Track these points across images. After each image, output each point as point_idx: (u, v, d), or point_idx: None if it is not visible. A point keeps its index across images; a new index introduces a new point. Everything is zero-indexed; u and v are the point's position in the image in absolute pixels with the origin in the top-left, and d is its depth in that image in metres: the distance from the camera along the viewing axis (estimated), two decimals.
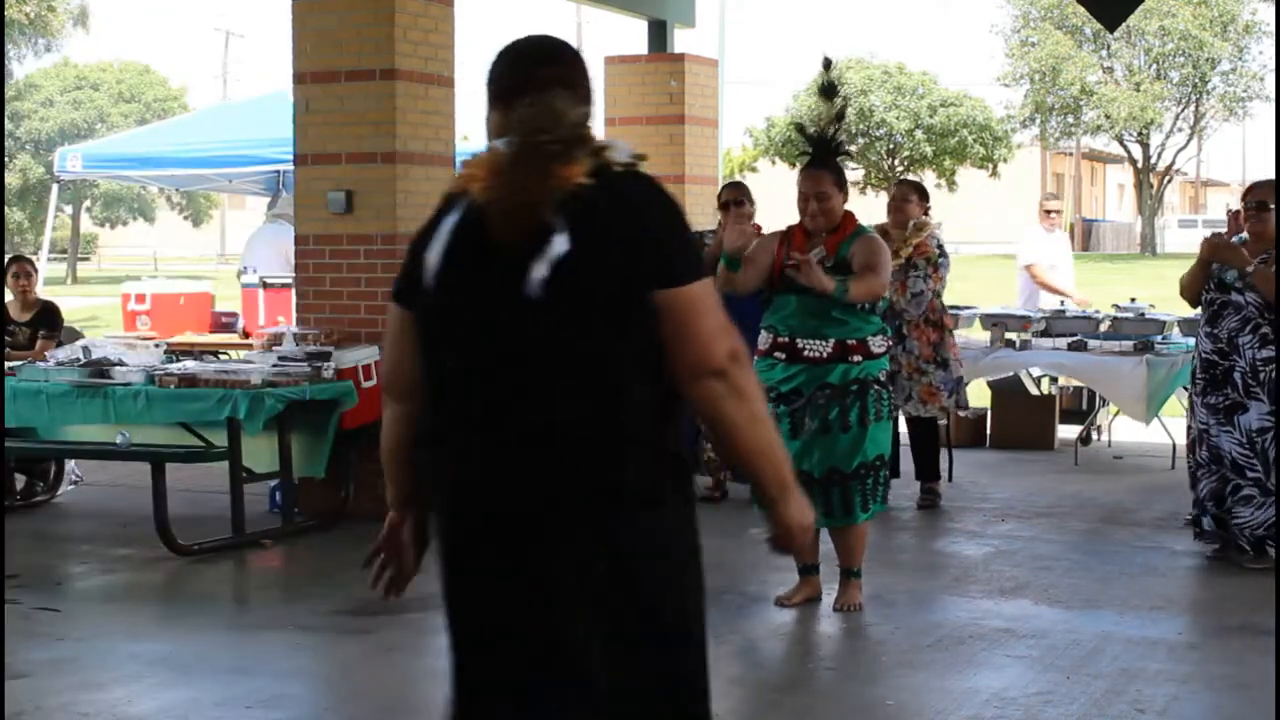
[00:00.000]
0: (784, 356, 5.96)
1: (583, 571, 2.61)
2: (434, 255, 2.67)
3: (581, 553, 2.61)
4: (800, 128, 6.26)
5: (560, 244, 2.56)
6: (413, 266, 2.73)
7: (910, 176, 29.81)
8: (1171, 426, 9.94)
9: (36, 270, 9.51)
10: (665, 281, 2.60)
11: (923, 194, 8.25)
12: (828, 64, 6.20)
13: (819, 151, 5.97)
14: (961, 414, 9.12)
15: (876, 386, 5.94)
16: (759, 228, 7.22)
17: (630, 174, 2.67)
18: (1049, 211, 11.70)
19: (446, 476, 2.71)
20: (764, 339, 6.07)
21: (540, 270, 2.56)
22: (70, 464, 9.01)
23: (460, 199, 2.68)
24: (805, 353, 5.92)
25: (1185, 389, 8.57)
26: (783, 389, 5.96)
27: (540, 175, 2.58)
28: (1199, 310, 7.17)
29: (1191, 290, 7.08)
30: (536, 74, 2.70)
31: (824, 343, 5.90)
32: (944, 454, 9.05)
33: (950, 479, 9.16)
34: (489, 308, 2.62)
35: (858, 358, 5.91)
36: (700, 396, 2.63)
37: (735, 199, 8.03)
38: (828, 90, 6.13)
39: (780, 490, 2.72)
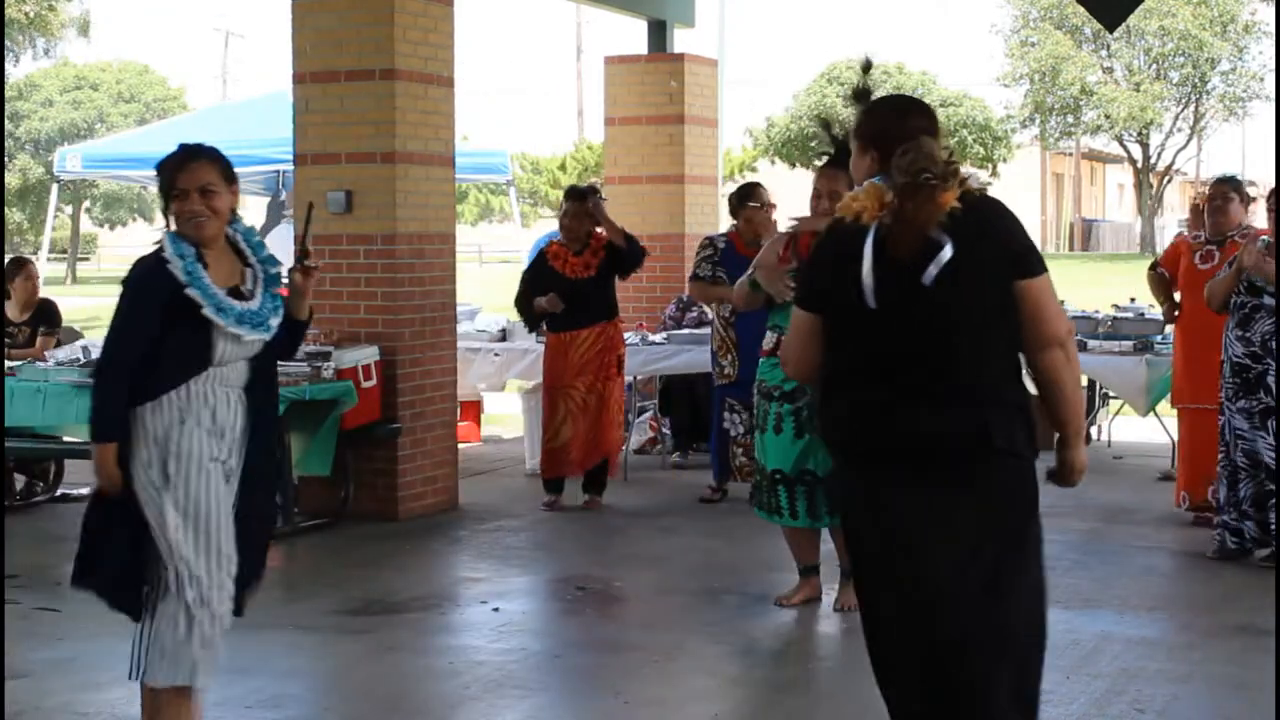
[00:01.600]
0: None
1: (967, 502, 3.41)
2: (865, 270, 3.41)
3: (963, 487, 3.41)
4: (826, 125, 6.10)
5: (946, 253, 3.36)
6: (819, 279, 3.56)
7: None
8: (1170, 425, 9.92)
9: (38, 275, 9.49)
10: (1027, 274, 3.43)
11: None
12: (867, 66, 6.12)
13: (841, 154, 5.91)
14: None
15: None
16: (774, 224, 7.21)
17: (985, 197, 3.48)
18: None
19: (855, 428, 3.48)
20: (769, 339, 6.06)
21: (931, 272, 3.36)
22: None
23: (854, 225, 3.46)
24: None
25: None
26: (786, 387, 5.95)
27: (927, 204, 3.38)
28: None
29: (1223, 300, 6.92)
30: (908, 126, 3.56)
31: None
32: None
33: None
34: (899, 303, 3.40)
35: None
36: (1046, 364, 3.45)
37: (760, 199, 8.01)
38: (861, 95, 6.05)
39: (1076, 436, 3.59)
